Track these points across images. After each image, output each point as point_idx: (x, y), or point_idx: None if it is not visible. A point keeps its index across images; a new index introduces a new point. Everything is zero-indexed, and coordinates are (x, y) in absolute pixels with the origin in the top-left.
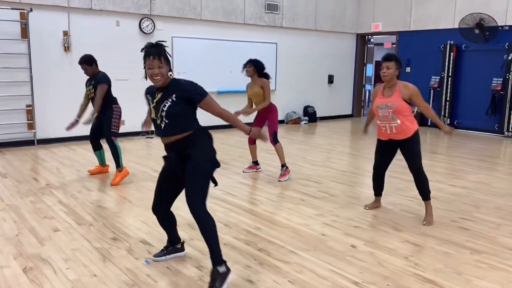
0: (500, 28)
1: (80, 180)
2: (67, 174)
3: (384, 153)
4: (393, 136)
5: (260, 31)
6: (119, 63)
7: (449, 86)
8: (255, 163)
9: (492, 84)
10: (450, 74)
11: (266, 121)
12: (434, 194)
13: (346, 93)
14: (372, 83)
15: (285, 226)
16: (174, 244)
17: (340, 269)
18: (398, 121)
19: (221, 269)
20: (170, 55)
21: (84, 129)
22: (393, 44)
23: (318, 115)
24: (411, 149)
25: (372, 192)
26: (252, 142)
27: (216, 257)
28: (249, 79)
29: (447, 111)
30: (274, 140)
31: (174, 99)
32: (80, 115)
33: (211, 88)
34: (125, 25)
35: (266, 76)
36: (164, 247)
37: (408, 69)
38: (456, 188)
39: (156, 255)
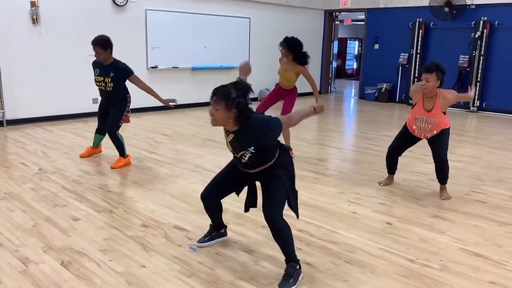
0: (467, 6)
1: (74, 164)
2: (57, 158)
3: (407, 141)
4: (424, 137)
5: (234, 6)
6: (91, 38)
7: (417, 63)
8: None
9: (459, 61)
10: (418, 51)
11: (280, 99)
12: (431, 169)
13: (314, 70)
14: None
15: (313, 205)
16: (218, 229)
17: (389, 247)
18: (435, 132)
19: (296, 266)
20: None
21: (54, 109)
22: (353, 21)
23: None
24: (441, 141)
25: (382, 170)
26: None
27: (292, 255)
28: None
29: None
30: None
31: (253, 151)
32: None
33: (186, 64)
34: None
35: (302, 61)
36: (208, 232)
37: (376, 46)
38: (453, 162)
39: (200, 241)
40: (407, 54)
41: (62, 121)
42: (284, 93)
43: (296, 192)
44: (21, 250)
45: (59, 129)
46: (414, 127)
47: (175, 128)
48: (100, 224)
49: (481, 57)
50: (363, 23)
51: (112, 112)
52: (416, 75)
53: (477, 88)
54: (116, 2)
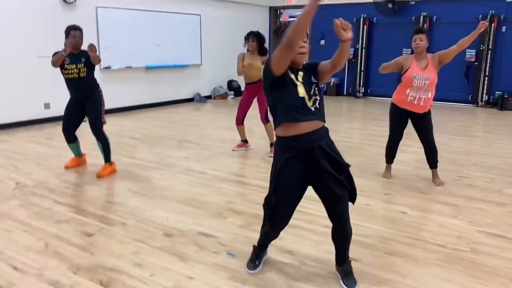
0: (408, 2)
1: (53, 175)
2: (30, 170)
3: (401, 125)
4: (417, 108)
5: (185, 2)
6: (40, 37)
7: (363, 57)
8: (245, 141)
9: (402, 54)
10: (364, 46)
11: (253, 99)
12: (411, 158)
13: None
14: None
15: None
16: (265, 248)
17: (415, 234)
18: (429, 94)
19: (348, 264)
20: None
21: (2, 116)
22: (291, 17)
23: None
24: (428, 122)
25: (365, 161)
26: (240, 122)
27: (348, 256)
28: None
29: (361, 81)
30: (266, 119)
31: (316, 80)
32: None
33: (139, 63)
34: None
35: (265, 52)
36: (255, 255)
37: (322, 42)
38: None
39: (251, 268)
40: (353, 49)
41: (14, 129)
42: (254, 89)
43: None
44: (46, 274)
45: (17, 138)
46: (408, 91)
47: (141, 131)
48: (119, 237)
49: None
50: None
51: (89, 111)
52: (363, 69)
53: None
54: None
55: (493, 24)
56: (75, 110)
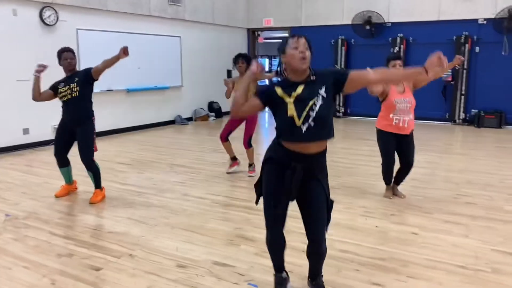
0: (384, 24)
1: (43, 205)
2: (18, 200)
3: (392, 148)
4: (403, 130)
5: (165, 24)
6: (19, 61)
7: None
8: (234, 159)
9: None
10: (342, 67)
11: (241, 121)
12: (411, 176)
13: None
14: None
15: (332, 223)
16: (282, 272)
17: (433, 256)
18: (411, 116)
19: (320, 279)
20: None
21: None
22: (266, 39)
23: (222, 110)
24: (412, 143)
25: (358, 180)
26: (224, 139)
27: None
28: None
29: (341, 100)
30: (249, 144)
31: (325, 94)
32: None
33: (120, 86)
34: (24, 14)
35: None
36: (278, 284)
37: None
38: (418, 169)
39: None
40: None
41: None
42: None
43: (331, 201)
44: None
45: None
46: (392, 115)
47: (127, 155)
48: (129, 271)
49: None
50: (276, 41)
51: (80, 137)
52: None
53: None
54: (45, 21)
55: (467, 45)
56: (66, 131)
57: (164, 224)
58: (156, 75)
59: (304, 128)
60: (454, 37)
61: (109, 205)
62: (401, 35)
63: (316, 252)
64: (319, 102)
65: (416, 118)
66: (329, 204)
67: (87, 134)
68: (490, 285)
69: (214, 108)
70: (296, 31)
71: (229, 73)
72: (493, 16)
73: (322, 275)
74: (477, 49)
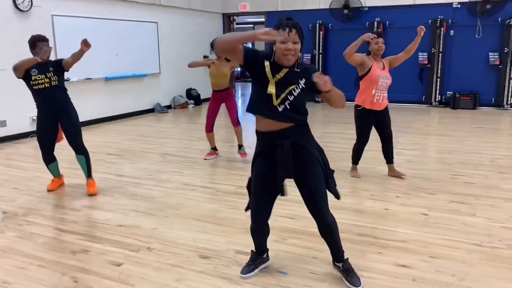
0: (361, 8)
1: (40, 200)
2: (12, 196)
3: (370, 127)
4: (381, 105)
5: (141, 9)
6: None
7: (320, 62)
8: (215, 149)
9: None
10: (321, 51)
11: (220, 106)
12: (401, 159)
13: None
14: None
15: (343, 207)
16: (261, 255)
17: (449, 235)
18: (386, 93)
19: (348, 262)
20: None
21: None
22: (238, 24)
23: (201, 97)
24: (389, 117)
25: (371, 164)
26: (209, 130)
27: (343, 253)
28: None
29: None
30: (238, 121)
31: (304, 86)
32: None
33: (98, 74)
34: None
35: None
36: (251, 260)
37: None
38: (409, 151)
39: (245, 272)
40: (310, 55)
41: None
42: (222, 97)
43: (331, 171)
44: None
45: None
46: (374, 91)
47: (115, 146)
48: (153, 264)
49: None
50: (250, 25)
51: (67, 123)
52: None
53: None
54: (19, 7)
55: (442, 29)
56: (49, 125)
57: (174, 215)
58: (134, 63)
59: (280, 109)
60: (430, 20)
61: (111, 198)
62: (378, 19)
63: (324, 226)
64: (297, 90)
65: (393, 101)
66: (329, 173)
67: (73, 117)
68: (509, 261)
69: (192, 95)
70: (272, 16)
71: (205, 58)
72: (467, 0)
73: (347, 258)
74: (451, 32)
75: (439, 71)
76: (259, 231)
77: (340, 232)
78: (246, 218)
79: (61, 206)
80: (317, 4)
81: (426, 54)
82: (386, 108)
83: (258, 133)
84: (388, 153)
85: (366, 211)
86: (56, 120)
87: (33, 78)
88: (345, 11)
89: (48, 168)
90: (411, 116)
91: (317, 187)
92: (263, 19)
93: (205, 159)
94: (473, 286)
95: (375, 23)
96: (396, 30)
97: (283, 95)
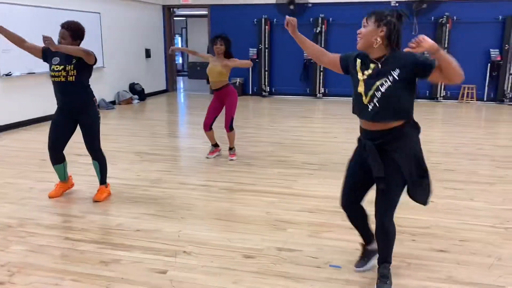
0: (306, 4)
1: (31, 209)
2: (12, 207)
3: None
4: None
5: None
6: None
7: (266, 57)
8: (216, 145)
9: (304, 54)
10: (266, 46)
11: (223, 105)
12: None
13: (159, 67)
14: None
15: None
16: (370, 244)
17: (462, 220)
18: None
19: (389, 267)
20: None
21: None
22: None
23: (145, 91)
24: None
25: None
26: (207, 129)
27: (387, 258)
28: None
29: (266, 79)
30: (230, 127)
31: (397, 77)
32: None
33: (41, 68)
34: None
35: (231, 56)
36: (362, 253)
37: None
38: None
39: (359, 266)
40: (256, 49)
41: None
42: (221, 95)
43: (424, 177)
44: None
45: None
46: None
47: (80, 146)
48: (200, 269)
49: None
50: (183, 18)
51: (85, 127)
52: (267, 68)
53: (320, 77)
54: None
55: None
56: (63, 122)
57: (191, 216)
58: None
59: (370, 107)
60: None
61: (109, 202)
62: (322, 15)
63: (377, 229)
64: (386, 84)
65: (334, 95)
66: (415, 181)
67: (92, 121)
68: None
69: (136, 90)
70: (216, 9)
71: (147, 52)
72: None
73: (389, 266)
74: None
75: None
76: (347, 208)
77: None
78: (265, 214)
79: (57, 213)
80: None
81: None
82: None
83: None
84: None
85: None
86: (74, 119)
87: (51, 68)
88: (291, 7)
89: (55, 169)
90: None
91: (384, 192)
92: (206, 12)
93: (207, 157)
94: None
95: (319, 19)
96: (339, 26)
97: (370, 92)
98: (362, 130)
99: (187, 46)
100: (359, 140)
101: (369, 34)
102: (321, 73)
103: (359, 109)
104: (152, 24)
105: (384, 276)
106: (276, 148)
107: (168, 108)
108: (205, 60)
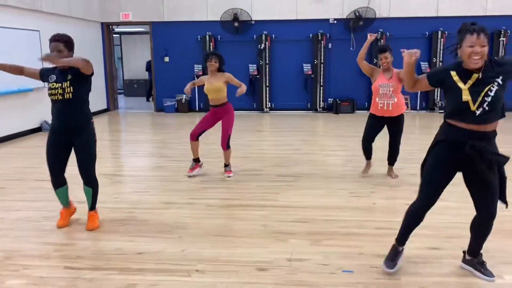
0: (249, 22)
1: (13, 240)
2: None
3: (375, 128)
4: (389, 112)
5: (22, 16)
6: None
7: None
8: (197, 160)
9: (250, 70)
10: None
11: (218, 121)
12: (345, 159)
13: (99, 85)
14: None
15: (339, 207)
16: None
17: (458, 220)
18: (395, 99)
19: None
20: None
21: None
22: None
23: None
24: (400, 126)
25: (333, 166)
26: (194, 138)
27: (481, 249)
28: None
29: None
30: (227, 145)
31: (501, 82)
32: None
33: None
34: None
35: (223, 68)
36: (395, 255)
37: (166, 59)
38: (340, 152)
39: (390, 267)
40: (201, 66)
41: None
42: (219, 112)
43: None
44: None
45: None
46: (377, 99)
47: (37, 171)
48: (219, 286)
49: (267, 65)
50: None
51: (80, 149)
52: None
53: (267, 92)
54: None
55: (322, 42)
56: (60, 144)
57: (188, 235)
58: (17, 76)
59: (478, 112)
60: (311, 34)
61: (100, 227)
62: (266, 32)
63: (488, 221)
64: (494, 88)
65: (281, 109)
66: (503, 179)
67: (89, 143)
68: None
69: None
70: (158, 26)
71: None
72: (341, 17)
73: (482, 253)
74: (330, 45)
75: (321, 80)
76: (425, 214)
77: (358, 229)
78: (262, 227)
79: (43, 242)
80: (205, 16)
81: (309, 65)
82: (399, 117)
83: (453, 126)
84: (391, 157)
85: (360, 208)
86: (70, 141)
87: (49, 86)
88: (235, 24)
89: (57, 194)
90: (303, 121)
91: (494, 189)
92: (143, 29)
93: (188, 176)
94: (504, 255)
95: (263, 36)
96: (282, 43)
97: (479, 99)
98: (466, 132)
99: (122, 64)
100: (450, 142)
101: (486, 52)
102: (267, 88)
103: (465, 115)
104: (91, 42)
105: (484, 263)
106: (244, 162)
107: (116, 127)
108: (201, 83)
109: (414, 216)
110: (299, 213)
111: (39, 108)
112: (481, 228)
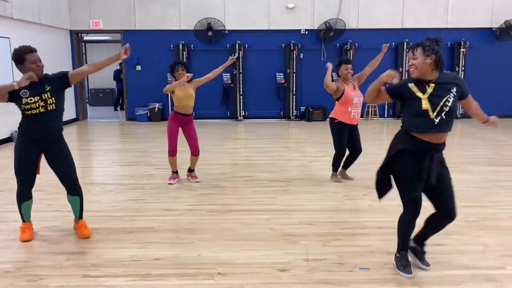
0: (223, 31)
1: (12, 251)
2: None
3: (346, 138)
4: (355, 121)
5: None
6: None
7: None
8: (176, 172)
9: (224, 79)
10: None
11: (178, 129)
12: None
13: (68, 94)
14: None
15: (338, 209)
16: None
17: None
18: (359, 109)
19: None
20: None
21: None
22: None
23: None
24: (358, 132)
25: (316, 171)
26: (174, 154)
27: None
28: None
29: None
30: (198, 152)
31: (455, 93)
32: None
33: None
34: None
35: (190, 79)
36: (422, 252)
37: (138, 68)
38: (322, 158)
39: (428, 264)
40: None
41: None
42: (187, 121)
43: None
44: None
45: None
46: (350, 108)
47: None
48: (247, 287)
49: (241, 74)
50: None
51: (60, 159)
52: None
53: (241, 100)
54: None
55: (294, 52)
56: (34, 154)
57: (198, 240)
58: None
59: (437, 120)
60: (283, 44)
61: (101, 235)
62: (239, 42)
63: (448, 217)
64: (451, 99)
65: (254, 117)
66: None
67: (67, 150)
68: (493, 227)
69: None
70: (129, 35)
71: None
72: (312, 28)
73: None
74: (301, 55)
75: (294, 88)
76: (415, 218)
77: (361, 229)
78: (269, 231)
79: (51, 252)
80: (177, 25)
81: (282, 74)
82: (357, 125)
83: (414, 138)
84: (350, 161)
85: (359, 209)
86: (42, 151)
87: (24, 102)
88: (209, 33)
89: (20, 209)
90: (278, 129)
91: (452, 192)
92: (117, 38)
93: (169, 183)
94: (503, 249)
95: (236, 45)
96: (255, 52)
97: (438, 108)
98: (426, 144)
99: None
100: (414, 152)
101: (421, 65)
102: (241, 96)
103: (424, 124)
104: (60, 50)
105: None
106: (235, 169)
107: (90, 137)
108: (180, 84)
109: (406, 226)
110: (301, 216)
111: (8, 118)
112: (441, 222)
